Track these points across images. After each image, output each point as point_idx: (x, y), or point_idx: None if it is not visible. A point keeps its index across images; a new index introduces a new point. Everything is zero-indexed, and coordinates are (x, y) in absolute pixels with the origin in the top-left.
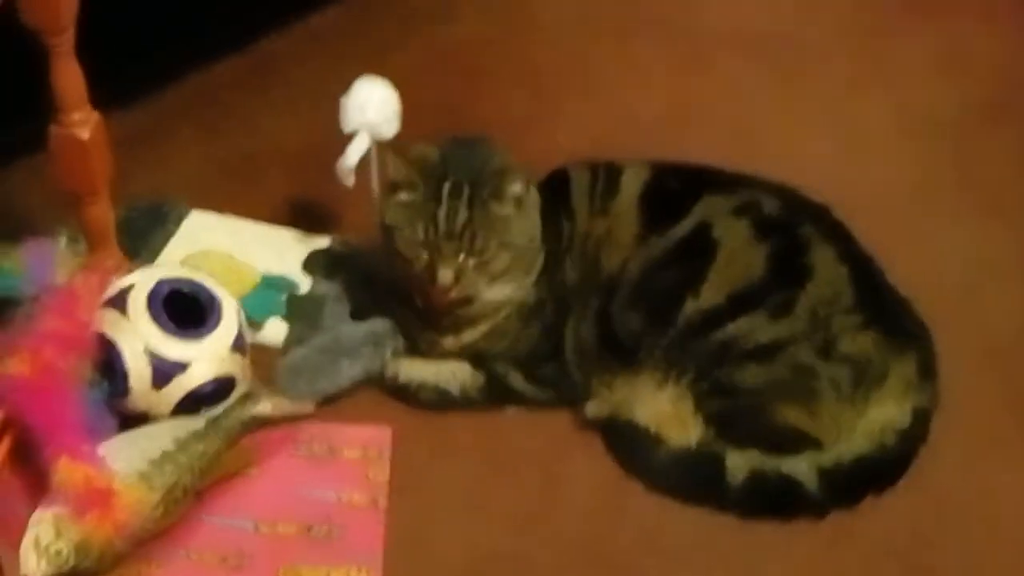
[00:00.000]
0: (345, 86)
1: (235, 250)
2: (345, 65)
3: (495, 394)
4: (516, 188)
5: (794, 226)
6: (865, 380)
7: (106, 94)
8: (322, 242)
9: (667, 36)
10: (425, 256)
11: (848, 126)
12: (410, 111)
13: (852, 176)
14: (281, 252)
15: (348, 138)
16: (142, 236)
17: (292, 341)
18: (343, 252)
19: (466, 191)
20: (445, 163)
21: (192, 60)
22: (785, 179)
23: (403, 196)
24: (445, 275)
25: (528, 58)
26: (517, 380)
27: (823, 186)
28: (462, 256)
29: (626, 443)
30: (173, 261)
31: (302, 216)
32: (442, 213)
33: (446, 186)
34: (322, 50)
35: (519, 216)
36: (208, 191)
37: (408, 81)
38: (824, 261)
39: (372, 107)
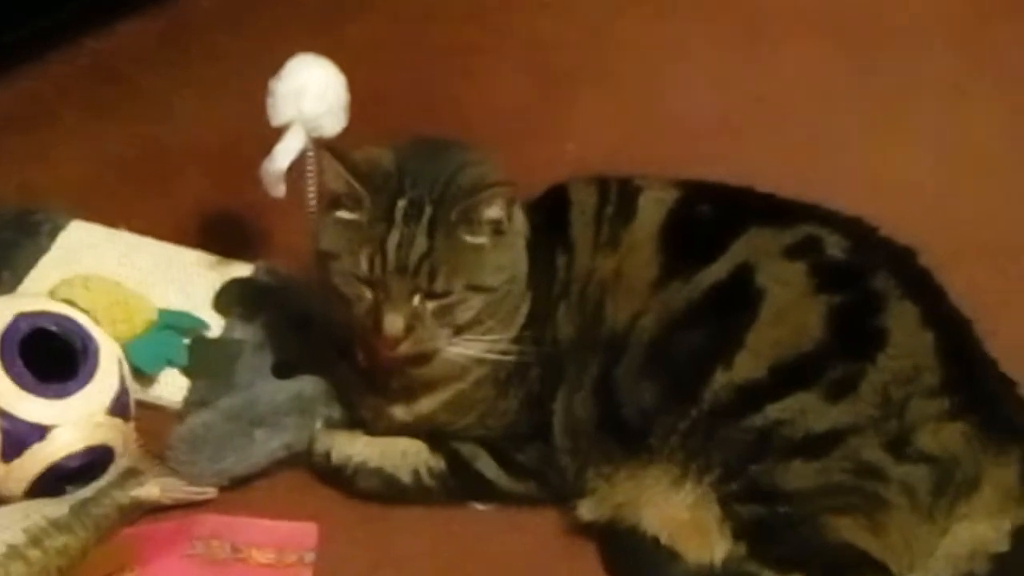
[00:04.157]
0: (284, 63)
1: (125, 276)
2: (285, 37)
3: (458, 484)
4: (494, 211)
5: (866, 275)
6: (950, 486)
7: None
8: (241, 270)
9: (713, 11)
10: (369, 296)
11: (947, 142)
12: (363, 101)
13: (953, 207)
14: (186, 281)
15: (279, 134)
16: (2, 253)
17: (193, 402)
18: (267, 284)
19: (427, 212)
20: (401, 173)
21: (84, 21)
22: (860, 210)
23: (343, 215)
24: (394, 323)
25: (531, 34)
26: (488, 467)
27: (911, 220)
28: (417, 298)
29: (629, 558)
30: (40, 289)
31: (217, 234)
32: (393, 240)
33: (400, 204)
34: (257, 16)
35: (497, 248)
36: (95, 196)
37: (363, 60)
38: (903, 324)
39: (310, 95)
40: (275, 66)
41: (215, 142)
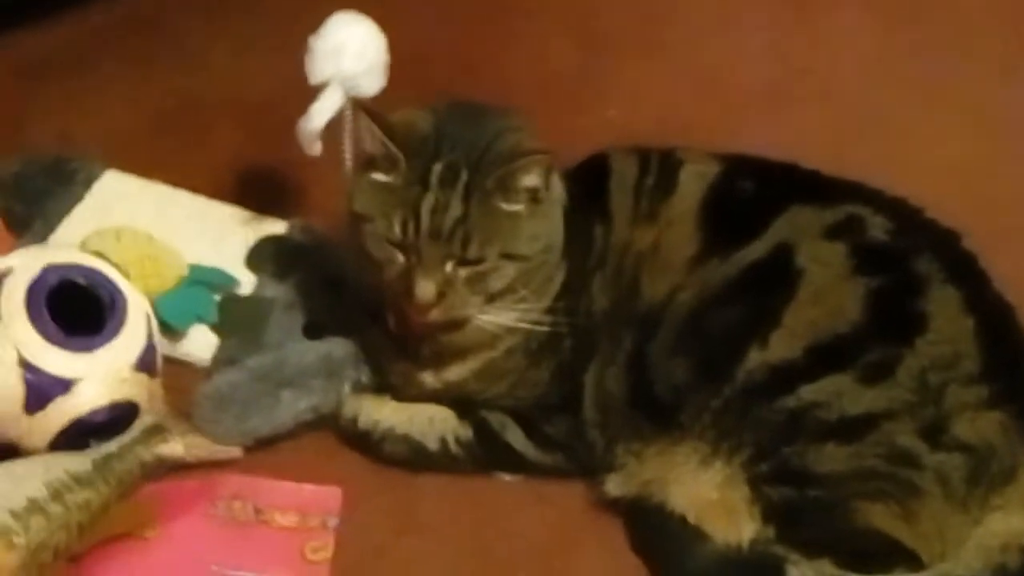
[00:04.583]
0: (324, 18)
1: (158, 229)
2: None
3: (485, 453)
4: (532, 178)
5: (908, 257)
6: (985, 476)
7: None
8: (275, 227)
9: None
10: (401, 260)
11: (996, 122)
12: (403, 61)
13: (1000, 189)
14: (219, 237)
15: (317, 91)
16: (37, 201)
17: (221, 360)
18: (301, 243)
19: (463, 177)
20: (439, 136)
21: None
22: (904, 190)
23: (378, 177)
24: (425, 288)
25: None
26: (516, 437)
27: (958, 202)
28: (450, 265)
29: (655, 535)
30: (72, 239)
31: (252, 190)
32: (427, 204)
33: (436, 168)
34: None
35: (533, 217)
36: (131, 146)
37: (405, 20)
38: (944, 309)
39: (349, 53)
40: (315, 22)
41: (253, 97)
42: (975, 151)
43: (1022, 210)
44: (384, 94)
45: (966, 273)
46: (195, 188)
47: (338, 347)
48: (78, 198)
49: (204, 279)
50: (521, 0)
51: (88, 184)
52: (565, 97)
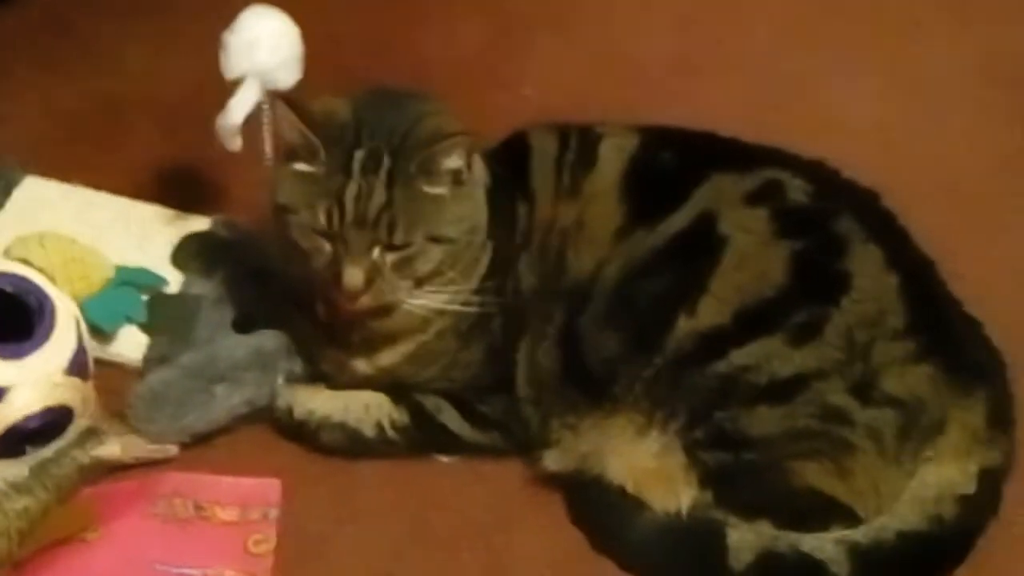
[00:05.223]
0: (238, 14)
1: (81, 233)
2: None
3: (422, 436)
4: (453, 161)
5: (829, 219)
6: (916, 430)
7: None
8: (199, 224)
9: None
10: (328, 249)
11: (910, 80)
12: (318, 51)
13: (915, 146)
14: (143, 237)
15: (234, 87)
16: None
17: (153, 359)
18: (226, 239)
19: (385, 163)
20: (358, 123)
21: None
22: (821, 153)
23: (300, 167)
24: (353, 275)
25: None
26: (451, 418)
27: (873, 163)
28: (377, 251)
29: (595, 508)
30: None
31: (173, 189)
32: (351, 192)
33: (358, 155)
34: None
35: (457, 199)
36: (48, 151)
37: (317, 10)
38: (867, 267)
39: (264, 47)
40: (227, 19)
41: (169, 96)
42: (889, 112)
43: (938, 167)
44: (300, 85)
45: (886, 231)
46: (116, 190)
47: (269, 339)
48: None
49: (131, 279)
50: None
51: (7, 192)
52: (480, 77)
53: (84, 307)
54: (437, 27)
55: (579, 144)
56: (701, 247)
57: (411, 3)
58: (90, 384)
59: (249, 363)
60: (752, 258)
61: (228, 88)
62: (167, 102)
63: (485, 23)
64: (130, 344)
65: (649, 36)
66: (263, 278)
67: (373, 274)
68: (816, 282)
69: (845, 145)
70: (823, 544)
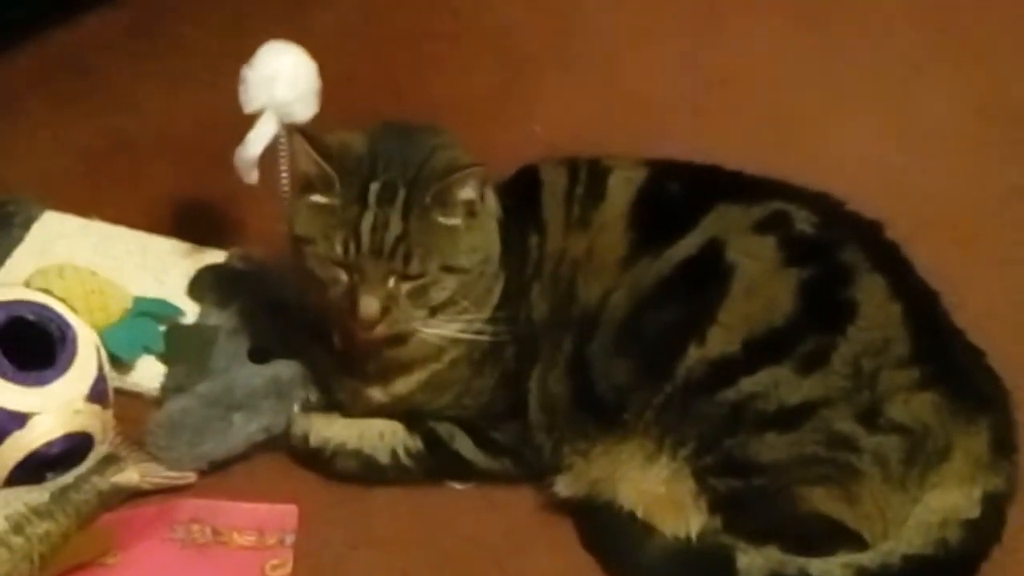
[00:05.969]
0: (252, 52)
1: (100, 265)
2: (253, 25)
3: (436, 463)
4: (468, 192)
5: (835, 249)
6: (921, 456)
7: None
8: (215, 257)
9: None
10: (344, 279)
11: (910, 119)
12: (333, 88)
13: (915, 182)
14: (161, 269)
15: (251, 121)
16: None
17: (171, 388)
18: (242, 271)
19: (401, 195)
20: (374, 156)
21: (52, 12)
22: (823, 187)
23: (317, 198)
24: (369, 305)
25: (496, 19)
26: (465, 445)
27: (874, 199)
28: (392, 280)
29: (605, 533)
30: (15, 279)
31: (189, 223)
32: (367, 223)
33: (374, 187)
34: (223, 6)
35: (470, 229)
36: (65, 188)
37: (333, 47)
38: (872, 297)
39: (282, 81)
40: (242, 55)
41: (183, 132)
42: (889, 149)
43: (938, 203)
44: (316, 120)
45: (890, 261)
46: (133, 225)
47: (285, 369)
48: (18, 240)
49: (149, 310)
50: (443, 25)
51: (27, 226)
52: (490, 115)
53: (103, 337)
54: (449, 67)
55: (588, 177)
56: (709, 274)
57: (424, 44)
58: (110, 412)
59: (266, 392)
60: (760, 286)
61: (242, 124)
62: (181, 138)
63: (495, 64)
64: (148, 374)
65: (654, 76)
66: (278, 309)
67: (389, 303)
68: (823, 310)
69: (847, 182)
70: (831, 568)
